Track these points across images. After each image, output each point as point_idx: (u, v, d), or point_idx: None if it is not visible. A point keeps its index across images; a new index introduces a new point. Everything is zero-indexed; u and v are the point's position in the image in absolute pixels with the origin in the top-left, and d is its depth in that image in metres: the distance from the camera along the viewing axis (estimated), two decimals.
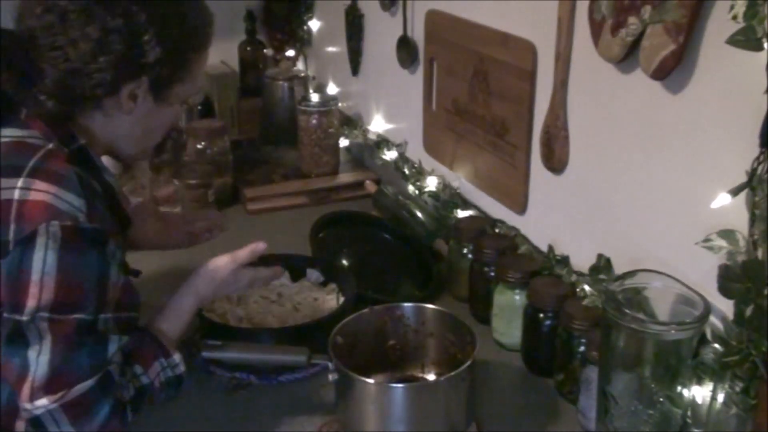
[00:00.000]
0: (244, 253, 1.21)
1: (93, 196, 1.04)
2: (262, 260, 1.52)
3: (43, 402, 0.96)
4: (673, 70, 1.02)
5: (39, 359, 0.96)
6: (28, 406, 0.96)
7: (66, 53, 1.01)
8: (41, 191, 0.98)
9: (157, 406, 1.19)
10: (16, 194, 0.98)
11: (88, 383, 0.98)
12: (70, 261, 0.97)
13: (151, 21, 1.03)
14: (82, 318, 0.98)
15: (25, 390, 0.96)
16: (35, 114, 1.06)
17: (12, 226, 0.96)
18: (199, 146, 1.95)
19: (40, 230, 0.96)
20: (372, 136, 2.08)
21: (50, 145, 1.04)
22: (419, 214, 1.72)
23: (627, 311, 0.98)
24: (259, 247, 1.22)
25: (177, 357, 1.10)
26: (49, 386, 0.96)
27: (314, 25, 2.45)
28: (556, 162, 1.33)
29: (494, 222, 1.54)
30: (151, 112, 1.12)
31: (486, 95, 1.51)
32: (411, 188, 1.82)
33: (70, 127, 1.08)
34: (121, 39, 1.02)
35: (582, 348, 1.16)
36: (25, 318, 0.96)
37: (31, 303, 0.95)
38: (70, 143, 1.07)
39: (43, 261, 0.96)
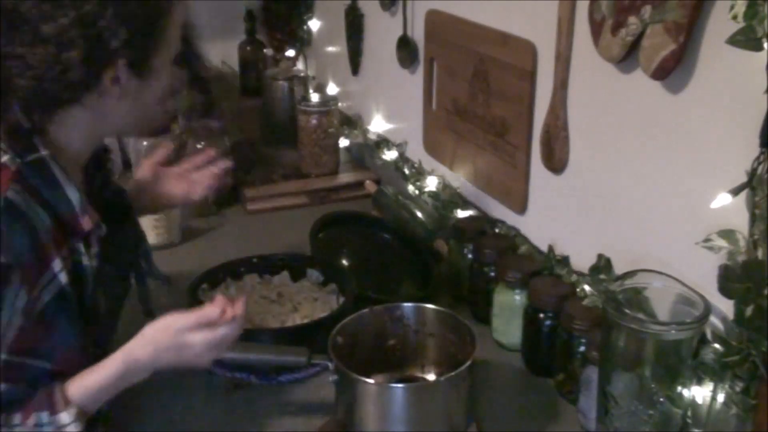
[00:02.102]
0: (209, 313, 1.02)
1: (20, 223, 0.94)
2: (263, 259, 1.53)
3: None
4: (673, 70, 1.02)
5: None
6: None
7: (26, 61, 0.94)
8: None
9: (156, 406, 1.19)
10: None
11: None
12: None
13: (105, 4, 0.95)
14: None
15: None
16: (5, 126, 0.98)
17: None
18: (199, 146, 1.95)
19: None
20: (372, 136, 2.08)
21: (2, 158, 0.96)
22: (419, 214, 1.72)
23: (627, 311, 0.98)
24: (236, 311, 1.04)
25: (65, 416, 0.96)
26: None
27: (314, 25, 2.45)
28: (556, 162, 1.33)
29: (494, 222, 1.54)
30: (139, 89, 1.04)
31: (486, 95, 1.51)
32: (411, 188, 1.82)
33: (33, 136, 1.00)
34: (80, 32, 0.94)
35: (582, 348, 1.16)
36: None
37: None
38: (26, 154, 0.98)
39: None
